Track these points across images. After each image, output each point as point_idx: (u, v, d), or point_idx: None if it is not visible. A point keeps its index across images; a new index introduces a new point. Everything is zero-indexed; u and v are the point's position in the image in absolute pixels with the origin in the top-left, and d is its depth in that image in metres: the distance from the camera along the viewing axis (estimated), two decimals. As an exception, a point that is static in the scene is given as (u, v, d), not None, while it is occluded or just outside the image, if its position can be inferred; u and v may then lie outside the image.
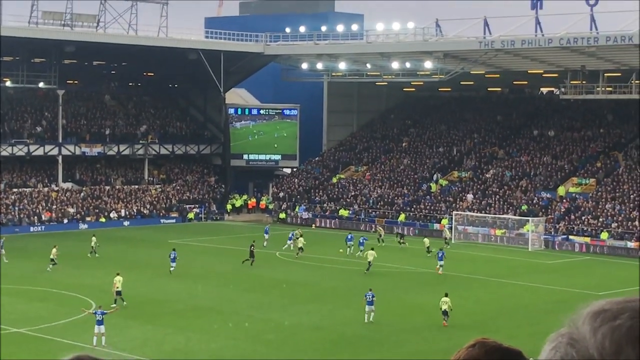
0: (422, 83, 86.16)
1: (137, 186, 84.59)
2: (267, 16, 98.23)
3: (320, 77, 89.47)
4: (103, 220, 77.60)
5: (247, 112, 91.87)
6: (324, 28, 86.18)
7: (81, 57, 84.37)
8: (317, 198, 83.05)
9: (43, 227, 74.13)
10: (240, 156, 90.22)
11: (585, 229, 67.52)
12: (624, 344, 2.01)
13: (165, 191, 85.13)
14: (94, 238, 60.48)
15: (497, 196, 75.09)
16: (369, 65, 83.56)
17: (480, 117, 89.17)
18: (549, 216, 70.16)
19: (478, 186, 77.64)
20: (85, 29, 78.03)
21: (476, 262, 58.99)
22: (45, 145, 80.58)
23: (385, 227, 72.09)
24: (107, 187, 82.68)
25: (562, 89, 75.64)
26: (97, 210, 78.58)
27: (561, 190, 73.15)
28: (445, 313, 39.79)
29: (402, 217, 76.10)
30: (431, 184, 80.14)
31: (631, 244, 64.65)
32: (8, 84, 79.64)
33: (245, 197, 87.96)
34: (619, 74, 73.03)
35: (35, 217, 75.03)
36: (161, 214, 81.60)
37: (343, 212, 79.35)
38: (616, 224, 66.81)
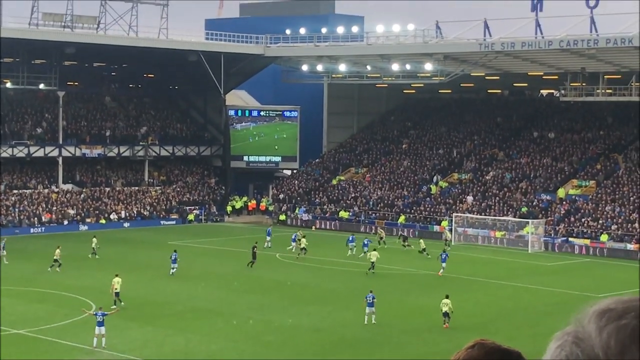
0: (422, 85, 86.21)
1: (137, 188, 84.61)
2: (268, 18, 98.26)
3: (321, 78, 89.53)
4: (103, 221, 77.60)
5: (247, 114, 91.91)
6: (324, 30, 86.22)
7: (81, 58, 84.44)
8: (317, 200, 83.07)
9: (43, 228, 74.14)
10: (240, 158, 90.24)
11: (585, 231, 67.53)
12: (629, 344, 2.02)
13: (166, 193, 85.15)
14: (94, 239, 60.52)
15: (497, 198, 75.11)
16: (369, 67, 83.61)
17: (480, 119, 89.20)
18: (549, 218, 70.17)
19: (478, 188, 77.66)
20: (86, 31, 78.07)
21: (476, 264, 59.00)
22: (45, 146, 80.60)
23: (385, 229, 72.09)
24: (107, 189, 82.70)
25: (562, 91, 75.69)
26: (97, 212, 78.59)
27: (561, 192, 73.17)
28: (446, 315, 39.78)
29: (402, 218, 76.12)
30: (431, 186, 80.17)
31: (631, 246, 64.65)
32: (8, 85, 79.70)
33: (245, 198, 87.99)
34: (619, 76, 73.07)
35: (36, 219, 75.04)
36: (161, 215, 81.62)
37: (343, 214, 79.37)
38: (616, 226, 66.82)
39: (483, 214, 72.90)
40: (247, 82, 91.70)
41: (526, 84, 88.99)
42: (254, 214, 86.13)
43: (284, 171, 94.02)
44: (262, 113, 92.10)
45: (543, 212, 71.31)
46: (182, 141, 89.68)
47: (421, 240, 64.23)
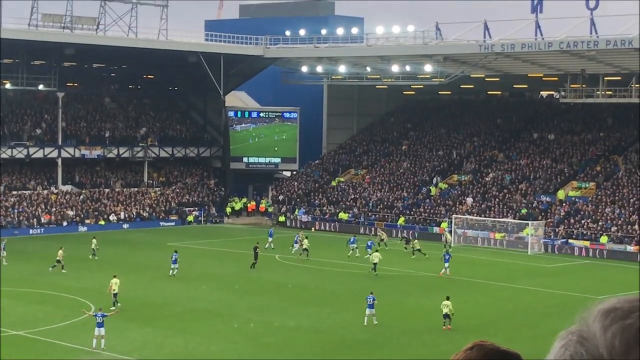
0: (422, 86, 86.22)
1: (136, 189, 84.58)
2: (267, 19, 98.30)
3: (320, 80, 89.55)
4: (102, 222, 77.57)
5: (246, 115, 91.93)
6: (324, 31, 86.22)
7: (81, 59, 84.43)
8: (316, 201, 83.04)
9: (42, 229, 74.11)
10: (240, 159, 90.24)
11: (584, 232, 67.50)
12: (634, 344, 2.00)
13: (165, 194, 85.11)
14: (94, 240, 60.50)
15: (497, 200, 75.09)
16: (369, 69, 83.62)
17: (480, 120, 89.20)
18: (549, 220, 70.15)
19: (478, 189, 77.65)
20: (85, 32, 78.07)
21: (475, 266, 58.97)
22: (44, 147, 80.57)
23: (384, 231, 72.02)
24: (107, 190, 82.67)
25: (562, 93, 75.71)
26: (97, 213, 78.56)
27: (561, 194, 73.16)
28: (446, 316, 39.73)
29: (401, 220, 76.09)
30: (431, 187, 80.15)
31: (630, 248, 64.63)
32: (8, 86, 79.68)
33: (244, 200, 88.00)
34: (619, 78, 73.08)
35: (35, 220, 75.00)
36: (160, 216, 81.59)
37: (343, 215, 79.34)
38: (616, 228, 66.80)
39: (483, 215, 72.89)
40: (246, 83, 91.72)
41: (526, 86, 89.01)
42: (254, 216, 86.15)
43: (284, 172, 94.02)
44: (261, 114, 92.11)
45: (543, 214, 71.29)
46: (181, 142, 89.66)
47: (415, 241, 64.32)
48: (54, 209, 77.00)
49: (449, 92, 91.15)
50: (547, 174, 77.08)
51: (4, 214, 74.02)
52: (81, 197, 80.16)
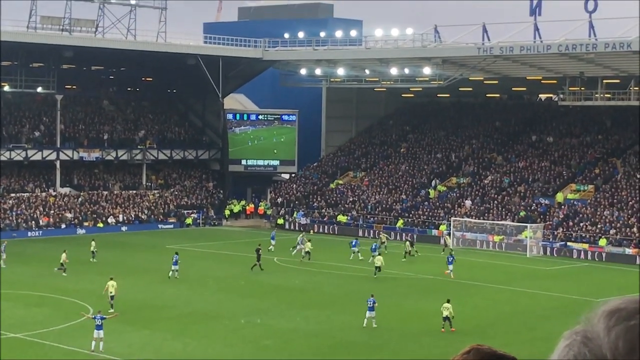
0: (420, 89, 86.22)
1: (135, 191, 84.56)
2: (266, 21, 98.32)
3: (319, 82, 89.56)
4: (101, 225, 77.53)
5: (245, 118, 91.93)
6: (322, 34, 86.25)
7: (80, 62, 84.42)
8: (315, 204, 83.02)
9: (41, 232, 74.08)
10: (238, 162, 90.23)
11: (583, 235, 67.51)
12: (637, 345, 1.99)
13: (163, 196, 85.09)
14: (93, 242, 60.46)
15: (496, 202, 75.10)
16: (367, 71, 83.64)
17: (478, 123, 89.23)
18: (548, 222, 70.16)
19: (476, 192, 77.67)
20: (84, 34, 78.07)
21: (474, 268, 58.94)
22: (43, 150, 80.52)
23: (386, 234, 71.92)
24: (105, 192, 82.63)
25: (561, 96, 75.71)
26: (95, 215, 78.52)
27: (559, 197, 73.18)
28: (446, 319, 39.71)
29: (400, 223, 76.08)
30: (429, 190, 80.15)
31: (629, 251, 64.64)
32: (6, 88, 79.65)
33: (243, 202, 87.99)
34: (618, 81, 73.12)
35: (33, 222, 74.97)
36: (159, 219, 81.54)
37: (341, 218, 79.32)
38: (614, 231, 66.81)
39: (481, 218, 72.89)
40: (245, 85, 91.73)
41: (525, 88, 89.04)
42: (252, 218, 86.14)
43: (282, 175, 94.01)
44: (260, 117, 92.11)
45: (541, 217, 71.30)
46: (180, 145, 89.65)
47: (407, 242, 64.36)
48: (52, 212, 76.97)
49: (448, 95, 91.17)
50: (545, 177, 77.10)
51: (2, 216, 73.98)
52: (79, 199, 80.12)
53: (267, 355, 36.45)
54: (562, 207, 72.08)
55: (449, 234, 70.57)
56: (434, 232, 73.81)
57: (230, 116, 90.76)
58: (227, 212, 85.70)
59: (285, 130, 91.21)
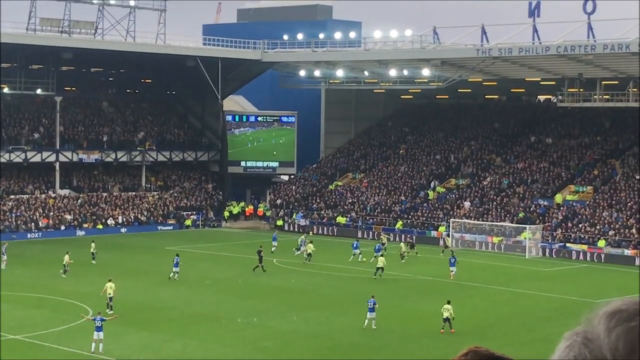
0: (419, 90, 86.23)
1: (134, 193, 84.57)
2: (265, 23, 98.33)
3: (318, 84, 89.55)
4: (100, 227, 77.55)
5: (244, 119, 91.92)
6: (321, 35, 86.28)
7: (79, 63, 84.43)
8: (314, 205, 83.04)
9: (40, 233, 74.07)
10: (237, 163, 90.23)
11: (582, 236, 67.55)
12: (638, 346, 2.00)
13: (163, 198, 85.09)
14: (93, 244, 60.45)
15: (495, 203, 75.13)
16: (366, 73, 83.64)
17: (477, 124, 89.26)
18: (546, 224, 70.19)
19: (475, 193, 77.69)
20: (83, 36, 78.10)
21: (473, 270, 58.93)
22: (42, 151, 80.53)
23: (386, 235, 71.91)
24: (105, 194, 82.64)
25: (560, 97, 75.74)
26: (94, 217, 78.54)
27: (558, 198, 73.21)
28: (446, 320, 39.73)
29: (399, 224, 76.10)
30: (428, 191, 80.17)
31: (628, 252, 64.67)
32: (6, 90, 79.63)
33: (242, 204, 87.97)
34: (616, 82, 73.15)
35: (33, 224, 74.97)
36: (158, 220, 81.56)
37: (340, 220, 79.32)
38: (613, 232, 66.84)
39: (480, 219, 72.92)
40: (244, 87, 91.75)
41: (523, 90, 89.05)
42: (252, 220, 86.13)
43: (282, 176, 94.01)
44: (259, 118, 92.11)
45: (540, 218, 71.33)
46: (179, 146, 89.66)
47: (402, 244, 64.38)
48: (51, 213, 76.98)
49: (447, 97, 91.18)
50: (544, 178, 77.14)
51: (2, 218, 73.99)
52: (79, 201, 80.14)
53: (267, 357, 36.48)
54: (561, 208, 72.12)
55: (447, 235, 70.59)
56: (433, 233, 73.83)
57: (229, 118, 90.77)
58: (226, 213, 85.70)
59: (285, 132, 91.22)
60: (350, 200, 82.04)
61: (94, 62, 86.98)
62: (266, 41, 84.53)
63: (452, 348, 35.09)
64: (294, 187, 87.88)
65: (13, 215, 74.95)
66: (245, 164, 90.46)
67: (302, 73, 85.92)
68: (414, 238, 72.18)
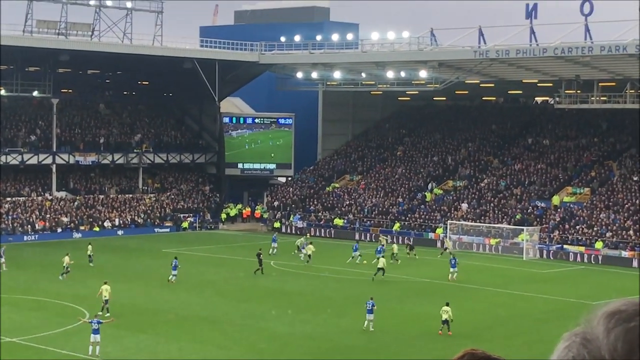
0: (417, 92, 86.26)
1: (131, 195, 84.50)
2: (262, 25, 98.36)
3: (315, 86, 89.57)
4: (97, 229, 77.46)
5: (242, 121, 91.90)
6: (319, 37, 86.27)
7: (76, 65, 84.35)
8: (311, 207, 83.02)
9: (37, 236, 73.97)
10: (235, 165, 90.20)
11: (579, 238, 67.56)
12: (636, 347, 1.99)
13: (160, 200, 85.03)
14: (89, 246, 60.38)
15: (492, 205, 75.14)
16: (364, 75, 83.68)
17: (474, 126, 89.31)
18: (544, 225, 70.20)
19: (473, 195, 77.71)
20: (80, 38, 78.05)
21: (470, 271, 58.89)
22: (39, 154, 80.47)
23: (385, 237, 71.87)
24: (101, 196, 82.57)
25: (557, 99, 75.79)
26: (91, 219, 78.46)
27: (556, 200, 73.23)
28: (445, 322, 39.72)
29: (396, 226, 76.10)
30: (426, 193, 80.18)
31: (625, 254, 64.69)
32: (2, 92, 79.52)
33: (239, 206, 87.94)
34: (614, 84, 73.21)
35: (29, 226, 74.86)
36: (155, 223, 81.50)
37: (338, 222, 79.31)
38: (611, 234, 66.86)
39: (478, 221, 72.94)
40: (241, 89, 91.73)
41: (521, 91, 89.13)
42: (249, 222, 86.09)
43: (279, 178, 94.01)
44: (256, 120, 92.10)
45: (538, 219, 71.35)
46: (176, 148, 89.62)
47: (394, 245, 64.41)
48: (48, 216, 76.88)
49: (444, 98, 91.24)
50: (542, 180, 77.17)
51: (-2, 220, 73.87)
52: (75, 203, 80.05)
53: (263, 358, 36.40)
54: (559, 209, 72.14)
55: (447, 238, 70.59)
56: (431, 235, 73.84)
57: (226, 120, 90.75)
58: (223, 215, 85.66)
59: (282, 134, 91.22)
60: (347, 202, 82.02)
61: (91, 64, 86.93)
62: (263, 43, 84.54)
63: (449, 350, 35.02)
64: (291, 189, 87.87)
65: (9, 217, 74.85)
66: (243, 166, 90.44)
67: (300, 75, 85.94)
68: (412, 240, 72.23)
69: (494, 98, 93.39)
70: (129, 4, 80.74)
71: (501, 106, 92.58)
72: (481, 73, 76.94)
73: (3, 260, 57.31)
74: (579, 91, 73.49)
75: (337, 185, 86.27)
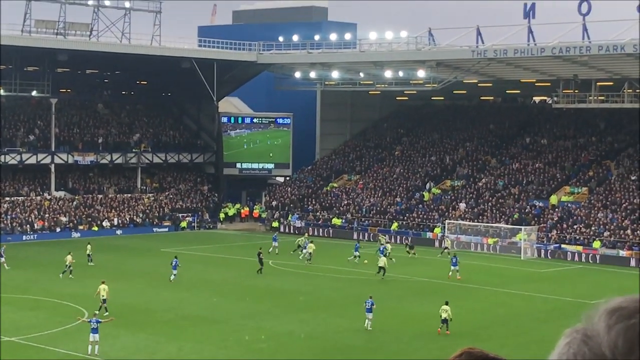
0: (415, 92, 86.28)
1: (129, 195, 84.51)
2: (261, 25, 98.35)
3: (314, 85, 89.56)
4: (95, 228, 77.47)
5: (240, 121, 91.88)
6: (317, 37, 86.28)
7: (74, 65, 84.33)
8: (310, 207, 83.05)
9: (35, 235, 73.97)
10: (233, 165, 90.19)
11: (577, 237, 67.63)
12: (637, 344, 2.00)
13: (158, 200, 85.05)
14: (89, 246, 60.38)
15: (490, 204, 75.19)
16: (362, 74, 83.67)
17: (472, 126, 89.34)
18: (542, 225, 70.25)
19: (471, 195, 77.75)
20: (79, 38, 78.03)
21: (469, 271, 58.90)
22: (38, 153, 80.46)
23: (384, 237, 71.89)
24: (100, 196, 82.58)
25: (555, 98, 75.82)
26: (90, 219, 78.48)
27: (553, 199, 73.29)
28: (444, 321, 39.78)
29: (394, 225, 76.14)
30: (424, 193, 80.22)
31: (623, 253, 64.77)
32: (1, 92, 79.52)
33: (238, 205, 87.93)
34: (611, 83, 73.25)
35: (28, 226, 74.88)
36: (154, 222, 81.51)
37: (336, 221, 79.33)
38: (608, 233, 66.93)
39: (476, 220, 72.99)
40: (240, 89, 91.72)
41: (519, 91, 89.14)
42: (247, 221, 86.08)
43: (277, 178, 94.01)
44: (255, 120, 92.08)
45: (536, 219, 71.40)
46: (175, 148, 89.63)
47: (388, 246, 64.38)
48: (47, 215, 76.90)
49: (442, 98, 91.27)
50: (539, 179, 77.23)
51: (-3, 220, 73.89)
52: (74, 203, 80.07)
53: (262, 358, 36.44)
54: (556, 209, 72.20)
55: (443, 236, 70.62)
56: (429, 234, 73.89)
57: (225, 119, 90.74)
58: (221, 215, 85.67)
59: (280, 134, 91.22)
60: (345, 202, 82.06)
61: (89, 64, 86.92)
62: (262, 43, 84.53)
63: (448, 349, 35.11)
64: (289, 188, 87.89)
65: (8, 217, 74.86)
66: (241, 165, 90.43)
67: (298, 75, 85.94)
68: (410, 239, 72.28)
69: (492, 98, 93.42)
70: (127, 4, 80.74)
71: (499, 106, 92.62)
72: (479, 73, 76.99)
73: (3, 259, 57.33)
74: (576, 91, 73.55)
75: (335, 184, 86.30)
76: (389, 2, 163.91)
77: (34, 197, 79.05)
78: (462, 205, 76.19)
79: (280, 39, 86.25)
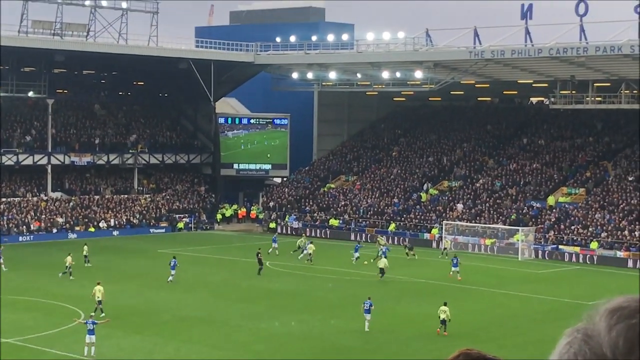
0: (412, 93, 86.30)
1: (126, 196, 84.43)
2: (258, 26, 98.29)
3: (311, 86, 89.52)
4: (92, 229, 77.37)
5: (237, 122, 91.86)
6: (314, 38, 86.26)
7: (71, 66, 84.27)
8: (307, 208, 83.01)
9: (32, 236, 73.87)
10: (230, 165, 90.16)
11: (575, 238, 67.63)
12: (638, 343, 1.99)
13: (155, 201, 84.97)
14: (85, 247, 60.28)
15: (487, 205, 75.19)
16: (359, 75, 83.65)
17: (470, 126, 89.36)
18: (539, 226, 70.25)
19: (468, 195, 77.75)
20: (75, 38, 77.92)
21: (466, 272, 58.88)
22: (34, 154, 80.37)
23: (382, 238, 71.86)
24: (97, 197, 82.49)
25: (552, 99, 75.82)
26: (87, 220, 78.38)
27: (551, 200, 73.30)
28: (443, 322, 39.76)
29: (392, 226, 76.11)
30: (421, 194, 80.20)
31: (621, 254, 64.77)
32: (-3, 93, 79.42)
33: (235, 206, 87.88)
34: (609, 84, 73.26)
35: (24, 227, 74.77)
36: (151, 223, 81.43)
37: (333, 222, 79.30)
38: (606, 234, 66.94)
39: (473, 221, 72.98)
40: (237, 89, 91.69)
41: (516, 92, 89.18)
42: (244, 222, 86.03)
43: (274, 179, 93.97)
44: (252, 121, 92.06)
45: (533, 220, 71.40)
46: (171, 149, 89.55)
47: (388, 246, 64.51)
48: (43, 216, 76.78)
49: (439, 99, 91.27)
50: (537, 180, 77.24)
51: (-7, 221, 73.76)
52: (71, 204, 79.96)
53: (259, 359, 36.42)
54: (554, 210, 72.20)
55: (440, 238, 70.61)
56: (426, 235, 73.88)
57: (222, 120, 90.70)
58: (219, 216, 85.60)
59: (277, 134, 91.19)
60: (343, 203, 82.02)
61: (86, 65, 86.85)
62: (259, 43, 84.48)
63: (445, 350, 35.05)
64: (286, 189, 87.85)
65: (5, 218, 74.75)
66: (238, 166, 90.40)
67: (295, 75, 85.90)
68: (408, 240, 72.25)
69: (489, 98, 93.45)
70: (124, 5, 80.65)
71: (496, 106, 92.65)
72: (476, 73, 76.98)
73: (1, 260, 57.21)
74: (574, 91, 73.54)
75: (332, 185, 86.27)
76: (387, 3, 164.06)
77: (30, 198, 78.93)
78: (460, 206, 76.17)
79: (278, 39, 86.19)
